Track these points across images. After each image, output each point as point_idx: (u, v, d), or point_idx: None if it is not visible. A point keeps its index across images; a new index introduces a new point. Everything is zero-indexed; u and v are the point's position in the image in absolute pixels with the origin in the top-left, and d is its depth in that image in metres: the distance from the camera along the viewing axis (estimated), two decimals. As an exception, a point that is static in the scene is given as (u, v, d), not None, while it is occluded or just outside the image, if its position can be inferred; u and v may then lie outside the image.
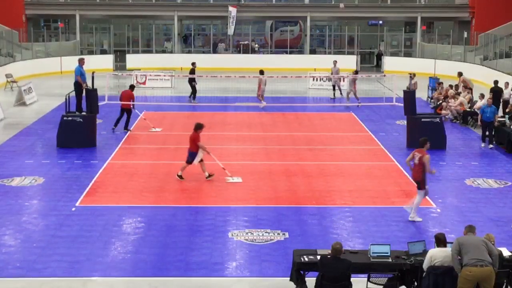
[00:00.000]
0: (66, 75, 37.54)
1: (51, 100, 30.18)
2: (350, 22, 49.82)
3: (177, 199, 16.20)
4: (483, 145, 21.94)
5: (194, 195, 16.49)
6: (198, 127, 17.80)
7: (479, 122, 22.58)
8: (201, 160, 17.67)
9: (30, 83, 31.13)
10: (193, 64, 31.56)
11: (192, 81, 30.47)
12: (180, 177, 17.64)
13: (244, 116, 26.96)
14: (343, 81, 32.66)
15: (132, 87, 24.71)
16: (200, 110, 28.35)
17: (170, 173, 18.35)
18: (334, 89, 32.19)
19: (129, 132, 23.61)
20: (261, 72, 29.32)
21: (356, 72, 32.13)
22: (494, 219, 14.89)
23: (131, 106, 24.05)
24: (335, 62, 32.90)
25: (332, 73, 32.30)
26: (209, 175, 17.69)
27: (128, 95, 24.01)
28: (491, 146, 21.80)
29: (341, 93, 31.86)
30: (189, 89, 30.85)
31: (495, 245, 10.38)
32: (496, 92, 26.24)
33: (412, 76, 26.77)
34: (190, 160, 17.62)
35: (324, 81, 35.39)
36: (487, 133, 21.96)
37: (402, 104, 22.58)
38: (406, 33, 48.60)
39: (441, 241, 10.38)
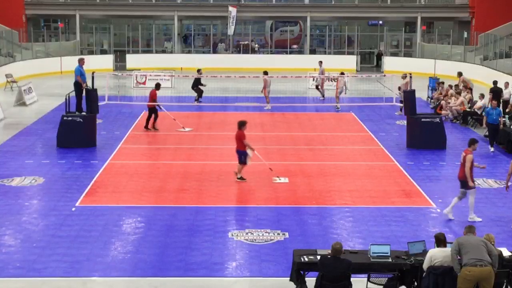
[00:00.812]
0: (66, 75, 37.54)
1: (51, 100, 30.18)
2: (350, 22, 49.81)
3: (177, 199, 16.20)
4: (492, 149, 21.32)
5: (194, 195, 16.49)
6: (242, 124, 17.56)
7: (484, 125, 22.03)
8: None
9: (30, 83, 31.13)
10: (199, 71, 31.38)
11: (198, 85, 30.43)
12: (241, 178, 17.44)
13: (244, 116, 26.91)
14: (329, 81, 32.90)
15: (156, 86, 24.58)
16: (200, 110, 28.35)
17: (170, 173, 18.35)
18: (318, 89, 32.18)
19: (155, 130, 23.62)
20: (265, 73, 29.36)
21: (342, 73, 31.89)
22: (494, 219, 14.89)
23: (156, 106, 24.00)
24: (320, 63, 32.89)
25: (319, 73, 32.20)
26: (241, 178, 17.53)
27: (151, 94, 24.04)
28: (492, 149, 21.37)
29: (323, 95, 31.84)
30: (189, 90, 30.82)
31: (495, 245, 10.38)
32: (496, 92, 26.24)
33: (403, 76, 26.86)
34: (243, 160, 17.44)
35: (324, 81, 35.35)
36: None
37: (402, 104, 22.58)
38: (406, 33, 48.60)
39: (441, 241, 10.40)
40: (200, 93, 30.51)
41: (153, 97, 23.91)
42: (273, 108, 28.47)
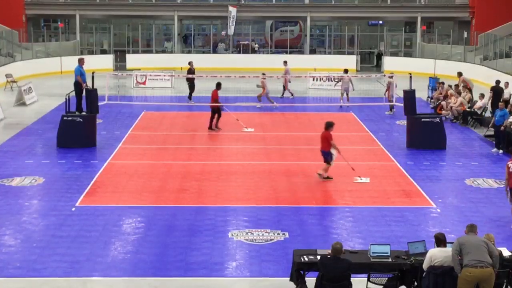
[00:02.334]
0: (66, 75, 37.54)
1: (51, 100, 30.18)
2: (350, 22, 49.82)
3: (177, 199, 16.19)
4: (494, 150, 21.27)
5: (194, 195, 16.49)
6: (329, 125, 17.65)
7: (490, 126, 21.75)
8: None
9: (30, 83, 31.13)
10: (190, 63, 31.35)
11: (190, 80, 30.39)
12: (328, 178, 17.52)
13: (244, 116, 26.92)
14: (329, 81, 33.05)
15: (217, 85, 24.57)
16: (200, 110, 28.33)
17: (170, 173, 18.36)
18: (284, 89, 32.16)
19: (218, 130, 23.71)
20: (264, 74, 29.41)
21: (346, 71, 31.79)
22: (494, 219, 14.88)
23: (219, 106, 24.06)
24: (285, 62, 32.87)
25: (285, 73, 32.11)
26: (327, 177, 17.55)
27: (213, 94, 24.10)
28: (495, 149, 21.27)
29: (283, 94, 31.89)
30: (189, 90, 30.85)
31: (495, 245, 10.37)
32: (497, 91, 26.25)
33: (390, 76, 27.05)
34: (328, 160, 17.50)
35: (324, 81, 35.42)
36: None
37: (402, 104, 22.59)
38: (406, 33, 48.59)
39: (441, 241, 10.38)
40: (191, 89, 30.33)
41: (214, 97, 23.94)
42: (273, 108, 28.48)
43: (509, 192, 14.34)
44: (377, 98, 30.39)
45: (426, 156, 20.57)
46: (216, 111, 23.93)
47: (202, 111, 28.03)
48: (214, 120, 23.91)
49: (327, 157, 17.61)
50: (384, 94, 28.45)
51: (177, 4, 47.14)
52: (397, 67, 39.73)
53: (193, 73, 30.53)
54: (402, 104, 22.60)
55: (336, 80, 31.57)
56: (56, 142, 21.26)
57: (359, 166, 19.36)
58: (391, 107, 27.97)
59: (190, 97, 30.35)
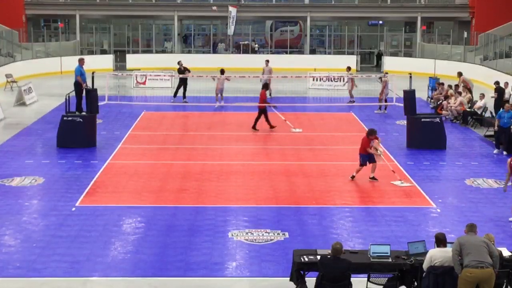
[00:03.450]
0: (66, 75, 37.54)
1: (51, 100, 30.18)
2: (350, 22, 49.81)
3: (177, 199, 16.19)
4: (496, 151, 21.11)
5: (194, 195, 16.49)
6: (371, 133, 17.71)
7: (495, 127, 21.48)
8: (374, 161, 17.63)
9: (30, 83, 31.12)
10: (179, 63, 31.18)
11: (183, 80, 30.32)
12: (373, 178, 17.62)
13: (244, 116, 26.93)
14: (329, 81, 33.11)
15: (265, 86, 24.82)
16: (200, 110, 28.35)
17: (170, 173, 18.36)
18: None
19: (271, 128, 23.85)
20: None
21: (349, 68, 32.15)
22: (494, 219, 14.88)
23: (266, 107, 24.18)
24: (267, 62, 32.85)
25: (263, 73, 32.08)
26: (373, 178, 17.63)
27: (261, 94, 24.24)
28: (496, 150, 21.15)
29: (270, 94, 31.98)
30: (189, 90, 30.79)
31: (495, 245, 10.37)
32: (500, 91, 26.29)
33: (383, 76, 27.19)
34: (364, 162, 17.64)
35: (324, 81, 35.41)
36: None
37: (402, 104, 22.59)
38: (406, 33, 48.58)
39: (441, 241, 10.36)
40: (184, 89, 30.27)
41: (263, 97, 24.12)
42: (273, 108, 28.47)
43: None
44: (377, 98, 30.32)
45: (426, 156, 20.57)
46: (263, 112, 24.02)
47: (203, 111, 28.05)
48: (262, 120, 24.00)
49: (364, 160, 17.66)
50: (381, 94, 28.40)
51: (177, 4, 47.13)
52: (397, 67, 39.72)
53: (184, 72, 30.40)
54: (402, 104, 22.60)
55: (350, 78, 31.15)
56: (56, 142, 21.26)
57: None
58: (381, 106, 28.07)
59: (184, 95, 30.24)
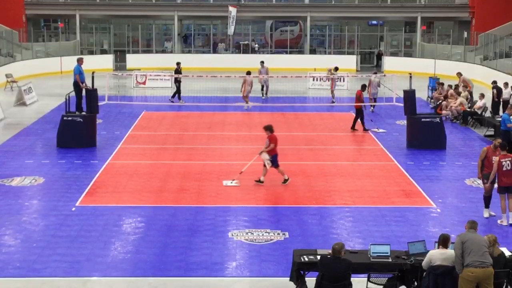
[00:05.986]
0: (66, 75, 37.53)
1: (51, 100, 30.18)
2: (350, 22, 49.82)
3: (177, 199, 16.19)
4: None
5: (194, 195, 16.48)
6: (266, 128, 17.44)
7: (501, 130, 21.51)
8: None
9: (30, 83, 31.12)
10: (178, 64, 31.24)
11: (176, 81, 30.33)
12: None
13: (244, 116, 26.94)
14: (328, 81, 33.19)
15: (362, 87, 25.12)
16: (200, 110, 28.35)
17: (170, 173, 18.36)
18: (262, 89, 32.14)
19: (365, 132, 23.89)
20: (248, 73, 29.50)
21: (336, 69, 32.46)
22: (494, 219, 14.88)
23: (361, 107, 24.26)
24: (262, 63, 32.87)
25: (260, 73, 32.12)
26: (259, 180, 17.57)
27: (357, 95, 24.34)
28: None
29: (266, 94, 31.97)
30: (189, 90, 30.78)
31: (499, 245, 10.36)
32: (498, 91, 26.30)
33: (373, 73, 27.45)
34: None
35: (324, 81, 35.39)
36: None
37: (402, 104, 22.59)
38: (406, 33, 48.61)
39: (443, 242, 10.23)
40: (178, 90, 30.26)
41: (359, 97, 24.16)
42: (273, 108, 28.47)
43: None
44: (377, 98, 30.33)
45: (426, 156, 20.57)
46: (360, 112, 24.08)
47: (203, 111, 28.04)
48: (358, 121, 24.09)
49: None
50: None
51: (177, 4, 47.14)
52: (397, 67, 39.75)
53: (180, 73, 30.42)
54: (402, 104, 22.59)
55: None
56: (56, 142, 21.26)
57: (359, 166, 19.41)
58: (371, 105, 28.15)
59: (179, 97, 30.22)
